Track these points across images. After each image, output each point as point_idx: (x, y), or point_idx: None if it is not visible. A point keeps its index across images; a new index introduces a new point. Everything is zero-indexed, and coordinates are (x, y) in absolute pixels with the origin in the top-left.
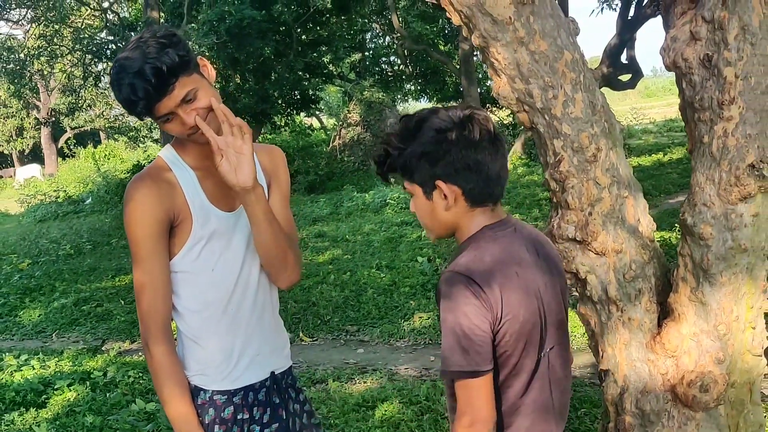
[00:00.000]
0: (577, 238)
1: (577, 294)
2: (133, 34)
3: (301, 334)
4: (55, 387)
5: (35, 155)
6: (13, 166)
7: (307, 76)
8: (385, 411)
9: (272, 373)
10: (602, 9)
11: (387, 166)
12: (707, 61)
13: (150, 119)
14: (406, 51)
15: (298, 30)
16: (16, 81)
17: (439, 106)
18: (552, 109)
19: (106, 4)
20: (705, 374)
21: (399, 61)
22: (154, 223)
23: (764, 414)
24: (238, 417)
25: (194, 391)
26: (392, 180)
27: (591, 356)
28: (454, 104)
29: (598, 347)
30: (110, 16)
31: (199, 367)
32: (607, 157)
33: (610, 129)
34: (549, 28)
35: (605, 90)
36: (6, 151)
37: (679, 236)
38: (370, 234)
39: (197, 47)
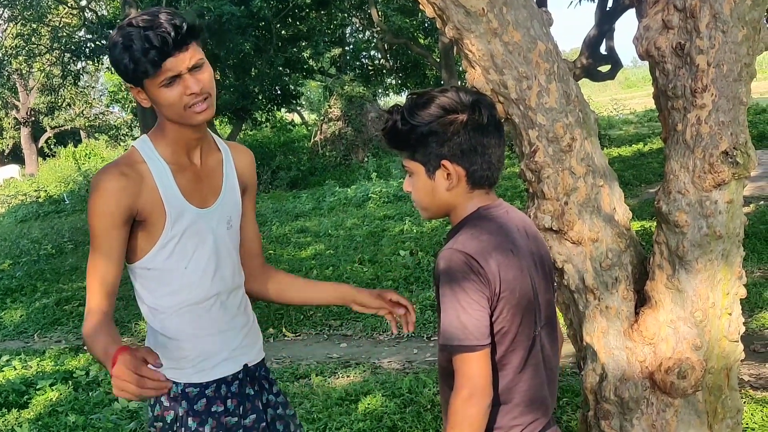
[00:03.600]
0: (554, 228)
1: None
2: (111, 32)
3: (284, 330)
4: (38, 387)
5: (15, 155)
6: None
7: (288, 71)
8: (368, 404)
9: (245, 365)
10: (580, 0)
11: (395, 140)
12: (680, 49)
13: (135, 98)
14: (386, 45)
15: (278, 25)
16: None
17: (448, 86)
18: (526, 100)
19: (84, 2)
20: (682, 361)
21: (379, 56)
22: (115, 215)
23: (742, 399)
24: (212, 409)
25: None
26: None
27: (571, 346)
28: (461, 86)
29: (577, 336)
30: (88, 15)
31: (170, 362)
32: (582, 146)
33: (585, 118)
34: (522, 19)
35: (585, 81)
36: None
37: None
38: (352, 229)
39: None
